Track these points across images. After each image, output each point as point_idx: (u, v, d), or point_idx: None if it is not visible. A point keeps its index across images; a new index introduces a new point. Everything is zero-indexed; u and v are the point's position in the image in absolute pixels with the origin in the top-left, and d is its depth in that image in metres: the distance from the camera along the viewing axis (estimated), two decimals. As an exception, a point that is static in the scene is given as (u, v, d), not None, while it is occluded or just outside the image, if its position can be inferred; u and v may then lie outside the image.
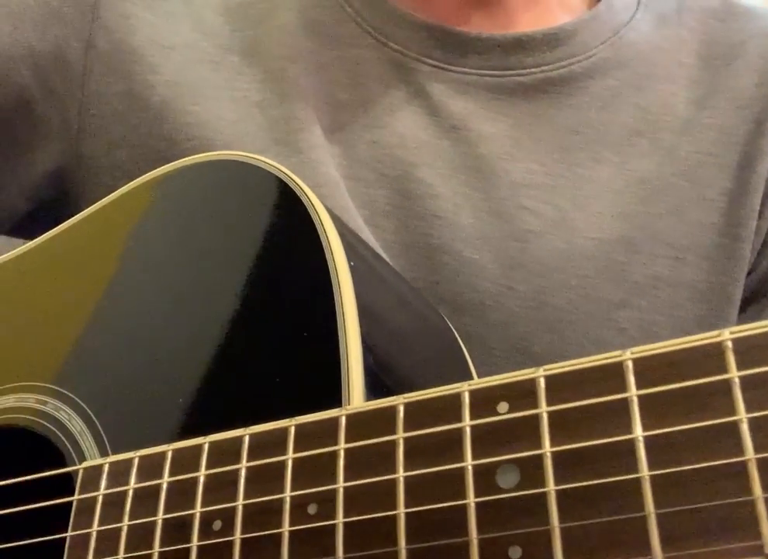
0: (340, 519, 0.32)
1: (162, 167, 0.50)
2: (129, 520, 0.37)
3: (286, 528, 0.33)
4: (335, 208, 0.54)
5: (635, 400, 0.28)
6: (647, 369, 0.29)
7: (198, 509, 0.35)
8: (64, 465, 0.42)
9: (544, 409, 0.30)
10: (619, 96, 0.62)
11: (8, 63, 0.61)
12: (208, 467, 0.36)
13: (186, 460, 0.37)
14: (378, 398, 0.34)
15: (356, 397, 0.36)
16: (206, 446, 0.36)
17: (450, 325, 0.50)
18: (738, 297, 0.59)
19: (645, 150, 0.61)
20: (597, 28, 0.64)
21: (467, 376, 0.47)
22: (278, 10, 0.64)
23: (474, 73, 0.62)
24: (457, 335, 0.49)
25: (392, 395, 0.34)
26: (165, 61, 0.61)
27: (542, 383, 0.31)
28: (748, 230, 0.59)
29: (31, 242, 0.54)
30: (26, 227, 0.65)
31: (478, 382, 0.32)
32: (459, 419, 0.31)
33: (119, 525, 0.37)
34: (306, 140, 0.58)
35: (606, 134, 0.61)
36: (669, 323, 0.58)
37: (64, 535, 0.38)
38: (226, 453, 0.36)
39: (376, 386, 0.38)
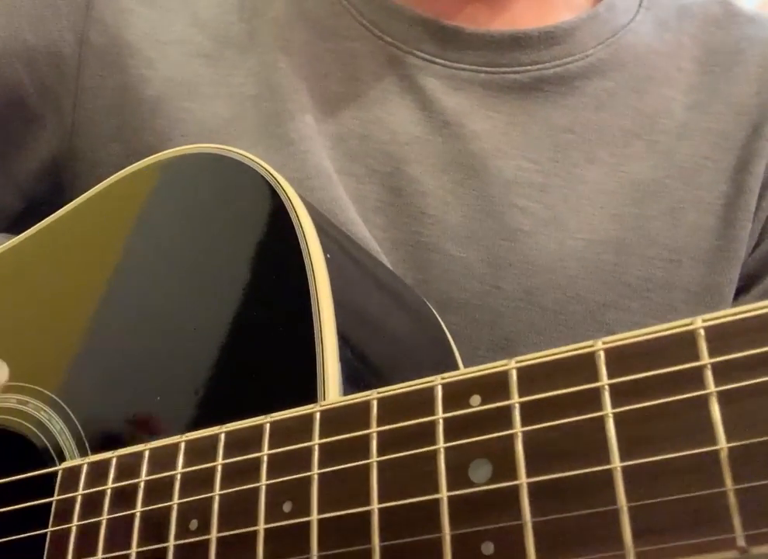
0: (314, 516, 0.32)
1: (143, 160, 0.50)
2: (108, 521, 0.37)
3: (261, 526, 0.33)
4: (325, 200, 0.54)
5: (607, 390, 0.28)
6: (619, 359, 0.28)
7: (174, 509, 0.35)
8: (45, 465, 0.42)
9: (516, 401, 0.30)
10: (616, 98, 0.62)
11: (2, 58, 0.61)
12: (184, 466, 0.36)
13: (163, 459, 0.36)
14: (356, 392, 0.34)
15: (332, 391, 0.36)
16: (183, 445, 0.36)
17: (436, 315, 0.50)
18: (731, 298, 0.59)
19: (640, 152, 0.60)
20: (595, 28, 0.63)
21: (452, 365, 0.46)
22: (273, 2, 0.64)
23: (469, 69, 0.61)
24: (443, 326, 0.49)
25: (371, 389, 0.33)
26: (161, 56, 0.61)
27: (514, 375, 0.30)
28: (744, 232, 0.59)
29: (12, 239, 0.53)
30: (21, 225, 0.65)
31: (451, 375, 0.31)
32: (432, 413, 0.31)
33: (97, 526, 0.37)
34: (296, 131, 0.58)
35: (601, 135, 0.60)
36: None
37: (44, 530, 0.38)
38: (202, 451, 0.36)
39: (353, 380, 0.37)
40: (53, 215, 0.53)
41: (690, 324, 0.28)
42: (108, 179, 0.51)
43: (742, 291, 0.59)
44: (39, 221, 0.54)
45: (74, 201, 0.52)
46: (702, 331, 0.27)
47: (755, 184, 0.59)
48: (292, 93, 0.59)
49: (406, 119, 0.59)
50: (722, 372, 0.27)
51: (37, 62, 0.62)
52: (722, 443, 0.26)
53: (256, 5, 0.64)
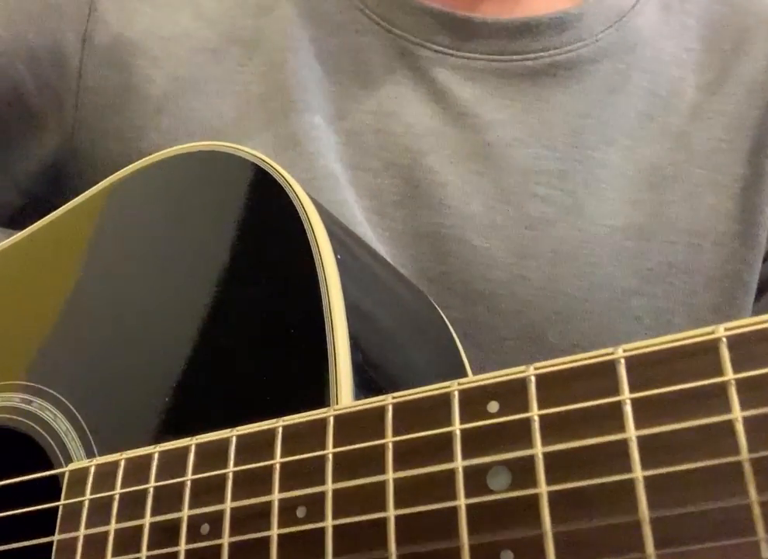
0: (329, 522, 0.31)
1: (147, 157, 0.49)
2: (116, 524, 0.36)
3: (275, 531, 0.32)
4: (332, 201, 0.54)
5: (628, 399, 0.28)
6: (640, 367, 0.28)
7: (185, 513, 0.35)
8: (51, 466, 0.41)
9: (535, 409, 0.29)
10: (628, 80, 0.62)
11: (3, 57, 0.61)
12: (195, 470, 0.35)
13: (173, 462, 0.36)
14: (368, 396, 0.33)
15: (344, 395, 0.36)
16: (193, 447, 0.36)
17: (444, 319, 0.49)
18: (753, 284, 0.59)
19: (655, 134, 0.61)
20: (602, 12, 0.63)
21: (460, 370, 0.46)
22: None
23: (481, 58, 0.61)
24: (451, 329, 0.49)
25: (382, 393, 0.33)
26: (165, 54, 0.60)
27: (533, 381, 0.30)
28: (763, 216, 0.59)
29: (11, 238, 0.53)
30: (20, 221, 0.65)
31: (467, 380, 0.31)
32: (449, 419, 0.31)
33: (106, 529, 0.36)
34: (304, 132, 0.57)
35: (616, 117, 0.60)
36: (684, 311, 0.57)
37: (50, 538, 0.38)
38: (213, 454, 0.35)
39: (365, 384, 0.37)
40: (53, 213, 0.53)
41: (712, 333, 0.28)
42: (111, 177, 0.51)
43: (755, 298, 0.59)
44: (39, 218, 0.54)
45: (75, 199, 0.52)
46: (725, 340, 0.27)
47: None
48: (300, 92, 0.59)
49: (420, 111, 0.59)
50: (745, 381, 0.26)
51: (39, 61, 0.61)
52: (745, 454, 0.26)
53: (262, 2, 0.63)
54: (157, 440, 0.37)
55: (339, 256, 0.40)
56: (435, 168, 0.57)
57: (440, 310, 0.50)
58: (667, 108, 0.61)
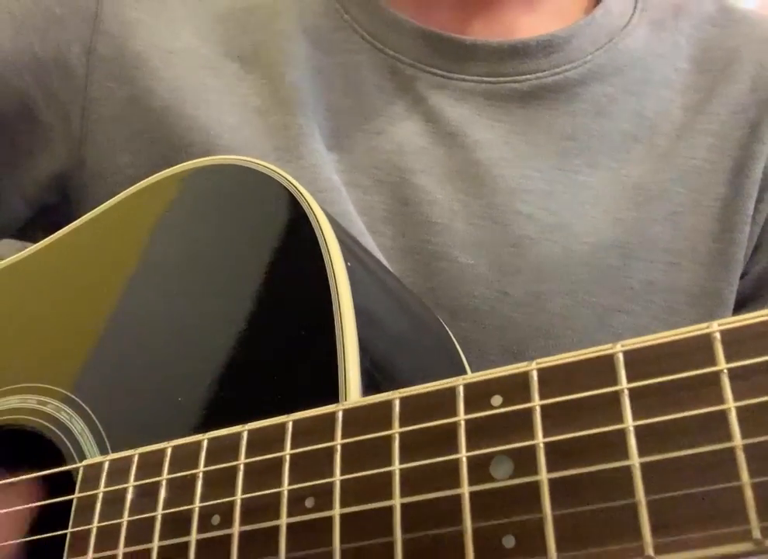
0: (336, 511, 0.32)
1: (163, 171, 0.51)
2: (129, 516, 0.37)
3: (284, 521, 0.33)
4: (336, 213, 0.55)
5: (626, 391, 0.29)
6: (637, 361, 0.29)
7: (197, 504, 0.36)
8: (66, 465, 0.42)
9: (537, 402, 0.30)
10: (615, 102, 0.63)
11: (10, 69, 0.62)
12: (207, 464, 0.36)
13: (185, 457, 0.37)
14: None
15: (353, 393, 0.37)
16: (205, 443, 0.37)
17: (444, 325, 0.51)
18: (732, 301, 0.60)
19: (641, 155, 0.62)
20: (592, 34, 0.64)
21: (462, 373, 0.47)
22: (278, 16, 0.65)
23: (470, 80, 0.62)
24: (452, 335, 0.50)
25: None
26: (166, 66, 0.62)
27: (535, 376, 0.31)
28: (742, 235, 0.60)
29: (33, 246, 0.54)
30: (28, 233, 0.66)
31: (472, 376, 0.32)
32: (454, 412, 0.32)
33: (118, 521, 0.37)
34: (305, 145, 0.59)
35: (602, 140, 0.62)
36: (664, 328, 0.57)
37: (64, 531, 0.39)
38: (224, 449, 0.36)
39: (372, 384, 0.38)
40: (73, 223, 0.54)
41: (707, 328, 0.29)
42: (128, 190, 0.52)
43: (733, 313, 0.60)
44: (47, 229, 0.55)
45: (95, 209, 0.53)
46: (718, 335, 0.28)
47: (753, 188, 0.60)
48: (299, 107, 0.60)
49: (410, 130, 0.61)
50: (738, 373, 0.28)
51: (46, 73, 0.62)
52: (737, 440, 0.27)
53: (261, 19, 0.65)
54: (170, 438, 0.38)
55: (349, 264, 0.41)
56: (424, 187, 0.59)
57: (439, 317, 0.51)
58: (653, 129, 0.62)
